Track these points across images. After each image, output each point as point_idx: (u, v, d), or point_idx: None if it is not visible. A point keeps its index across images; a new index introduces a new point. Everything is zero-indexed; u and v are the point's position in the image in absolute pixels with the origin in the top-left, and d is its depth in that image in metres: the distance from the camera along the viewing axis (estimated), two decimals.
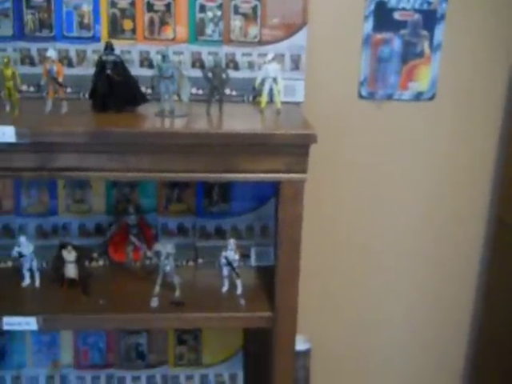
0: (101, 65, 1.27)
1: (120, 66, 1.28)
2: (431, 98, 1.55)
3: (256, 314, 1.34)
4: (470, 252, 1.74)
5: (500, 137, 1.62)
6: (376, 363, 1.83)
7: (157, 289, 1.36)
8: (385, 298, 1.76)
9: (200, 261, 1.55)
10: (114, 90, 1.27)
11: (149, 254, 1.46)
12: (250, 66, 1.43)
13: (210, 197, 1.52)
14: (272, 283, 1.33)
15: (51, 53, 1.26)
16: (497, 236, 1.68)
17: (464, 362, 1.86)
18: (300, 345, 1.63)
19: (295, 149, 1.19)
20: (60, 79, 1.26)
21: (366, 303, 1.77)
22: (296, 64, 1.44)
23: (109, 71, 1.26)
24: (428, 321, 1.80)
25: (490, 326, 1.74)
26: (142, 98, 1.32)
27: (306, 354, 1.67)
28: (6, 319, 1.29)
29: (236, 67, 1.43)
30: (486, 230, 1.71)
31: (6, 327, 1.30)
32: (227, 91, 1.42)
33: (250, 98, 1.45)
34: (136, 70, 1.39)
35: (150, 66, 1.41)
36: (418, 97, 1.55)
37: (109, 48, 1.27)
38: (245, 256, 1.52)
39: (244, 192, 1.52)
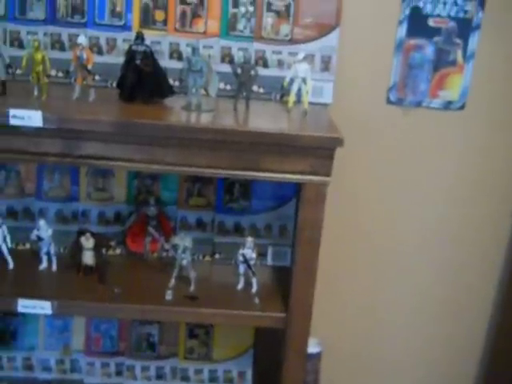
0: (131, 54, 1.27)
1: (150, 56, 1.28)
2: (461, 108, 1.53)
3: (270, 313, 1.33)
4: (488, 265, 1.72)
5: None
6: (387, 370, 1.82)
7: (172, 282, 1.36)
8: (399, 305, 1.75)
9: (217, 256, 1.54)
10: (143, 80, 1.27)
11: (166, 246, 1.45)
12: (280, 64, 1.42)
13: (230, 193, 1.51)
14: (287, 284, 1.33)
15: (82, 39, 1.25)
16: None
17: (478, 370, 1.84)
18: (311, 348, 1.62)
19: (321, 151, 1.18)
20: (89, 66, 1.27)
21: (379, 309, 1.75)
22: (326, 65, 1.42)
23: (138, 61, 1.26)
24: (442, 328, 1.78)
25: (506, 337, 1.71)
26: (169, 91, 1.32)
27: (316, 357, 1.66)
28: (22, 301, 1.30)
29: (265, 64, 1.42)
30: (507, 250, 1.69)
31: (21, 309, 1.31)
32: (255, 88, 1.41)
33: (278, 97, 1.44)
34: (165, 62, 1.39)
35: (180, 58, 1.41)
36: (447, 106, 1.52)
37: (140, 38, 1.27)
38: (261, 255, 1.51)
39: (265, 191, 1.51)
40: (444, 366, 1.83)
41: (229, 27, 1.40)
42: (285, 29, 1.41)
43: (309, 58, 1.39)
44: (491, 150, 1.59)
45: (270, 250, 1.54)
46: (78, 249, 1.41)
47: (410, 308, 1.76)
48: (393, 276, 1.72)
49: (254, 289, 1.38)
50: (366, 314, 1.76)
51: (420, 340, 1.80)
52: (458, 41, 1.46)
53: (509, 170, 1.62)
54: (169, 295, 1.35)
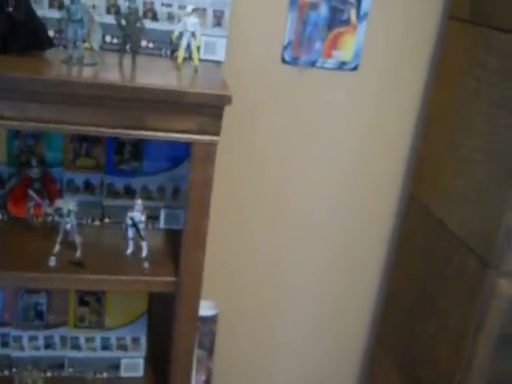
0: (1, 1, 1.16)
1: (23, 4, 1.16)
2: (354, 69, 1.53)
3: (159, 278, 1.30)
4: (380, 226, 1.77)
5: (419, 113, 1.63)
6: (282, 330, 1.84)
7: (56, 247, 1.29)
8: (292, 265, 1.76)
9: (106, 220, 1.48)
10: (16, 30, 1.16)
11: (49, 210, 1.37)
12: (170, 17, 1.35)
13: (121, 154, 1.44)
14: (179, 247, 1.29)
15: None
16: (407, 212, 1.71)
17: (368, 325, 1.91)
18: (207, 310, 1.61)
19: (209, 109, 1.13)
20: None
21: (274, 270, 1.76)
22: (218, 20, 1.37)
23: (10, 9, 1.15)
24: (335, 289, 1.83)
25: (395, 305, 1.78)
26: (47, 42, 1.22)
27: (212, 319, 1.65)
28: None
29: (154, 17, 1.35)
30: (397, 205, 1.74)
31: None
32: (144, 43, 1.34)
33: (168, 52, 1.37)
34: (44, 12, 1.28)
35: (61, 7, 1.30)
36: (341, 66, 1.52)
37: None
38: (154, 218, 1.47)
39: (158, 151, 1.45)
40: (338, 329, 1.88)
41: None
42: None
43: (200, 11, 1.33)
44: (383, 111, 1.61)
45: (162, 213, 1.49)
46: None
47: (307, 269, 1.78)
48: (289, 236, 1.72)
49: (144, 253, 1.33)
50: (262, 277, 1.76)
51: (316, 302, 1.83)
52: (352, 0, 1.45)
53: (400, 130, 1.65)
54: (52, 261, 1.27)
